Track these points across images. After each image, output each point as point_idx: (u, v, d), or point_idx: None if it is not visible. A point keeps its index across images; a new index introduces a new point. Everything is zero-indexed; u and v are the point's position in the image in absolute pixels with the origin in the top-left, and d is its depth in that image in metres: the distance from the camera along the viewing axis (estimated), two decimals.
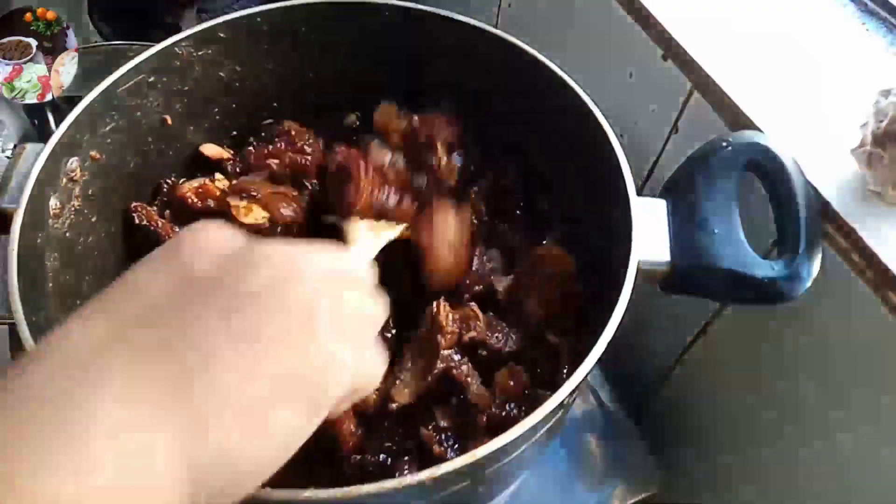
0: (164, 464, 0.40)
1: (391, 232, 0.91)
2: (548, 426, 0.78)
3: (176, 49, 0.98)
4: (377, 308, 0.57)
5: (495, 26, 1.28)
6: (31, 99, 1.23)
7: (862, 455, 0.91)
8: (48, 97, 1.24)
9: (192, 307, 0.46)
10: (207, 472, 0.42)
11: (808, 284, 0.81)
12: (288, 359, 0.46)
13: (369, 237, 0.88)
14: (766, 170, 0.86)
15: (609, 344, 0.73)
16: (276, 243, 0.52)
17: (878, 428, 0.87)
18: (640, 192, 1.13)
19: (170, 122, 1.02)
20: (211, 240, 0.51)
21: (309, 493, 0.63)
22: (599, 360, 0.71)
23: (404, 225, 0.92)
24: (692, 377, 1.18)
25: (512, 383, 0.88)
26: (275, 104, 1.13)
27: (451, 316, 0.89)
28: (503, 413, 0.86)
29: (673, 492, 1.20)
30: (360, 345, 0.53)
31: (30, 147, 0.88)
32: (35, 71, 1.25)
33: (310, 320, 0.48)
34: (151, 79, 0.97)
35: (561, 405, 0.70)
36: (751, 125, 0.91)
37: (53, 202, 0.87)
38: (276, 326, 0.46)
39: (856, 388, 0.89)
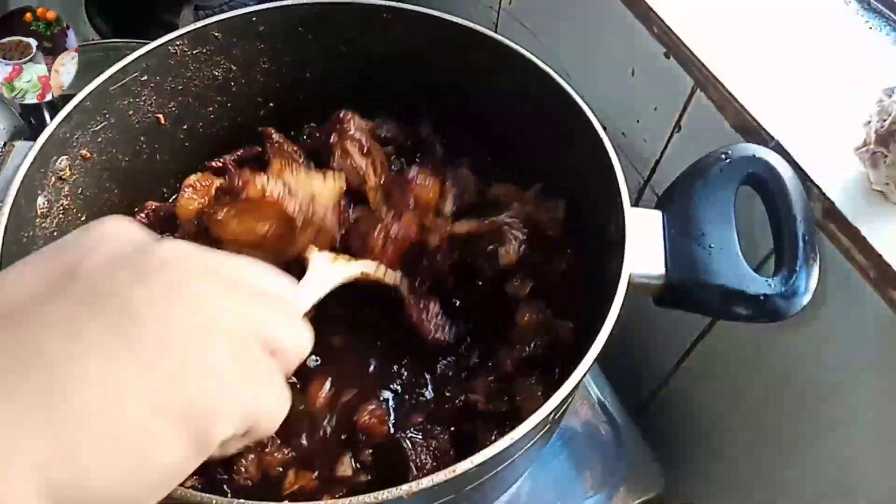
0: (21, 483, 0.36)
1: (351, 269, 0.90)
2: (541, 433, 0.77)
3: (170, 48, 0.97)
4: (297, 342, 0.50)
5: (496, 25, 1.27)
6: (31, 99, 1.23)
7: (865, 453, 0.90)
8: (48, 97, 1.24)
9: (64, 310, 0.40)
10: (65, 499, 0.37)
11: (805, 302, 0.78)
12: (169, 386, 0.40)
13: (328, 272, 0.87)
14: (765, 184, 0.84)
15: (604, 354, 0.72)
16: (190, 245, 0.46)
17: (882, 426, 0.87)
18: (641, 191, 1.14)
19: (163, 121, 1.02)
20: (108, 235, 0.45)
21: None
22: (602, 360, 0.70)
23: (367, 265, 0.93)
24: (694, 379, 1.17)
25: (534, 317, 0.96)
26: (270, 104, 1.13)
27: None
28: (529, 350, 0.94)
29: (675, 494, 1.19)
30: (261, 381, 0.46)
31: (19, 145, 0.88)
32: (35, 71, 1.25)
33: (204, 340, 0.42)
34: (144, 77, 0.96)
35: (553, 412, 0.69)
36: (754, 124, 0.90)
37: (41, 201, 0.86)
38: (160, 342, 0.40)
39: (858, 386, 0.88)
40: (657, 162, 1.10)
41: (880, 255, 0.78)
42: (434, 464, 0.85)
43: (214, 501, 0.61)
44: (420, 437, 0.89)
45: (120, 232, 0.46)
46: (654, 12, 1.00)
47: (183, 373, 0.41)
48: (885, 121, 0.79)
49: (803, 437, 0.98)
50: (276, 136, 1.09)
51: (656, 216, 0.85)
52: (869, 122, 0.82)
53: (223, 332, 0.43)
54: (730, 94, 0.92)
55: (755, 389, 1.05)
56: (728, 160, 0.86)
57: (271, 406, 0.47)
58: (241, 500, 0.61)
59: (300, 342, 0.50)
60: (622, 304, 0.75)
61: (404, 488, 0.62)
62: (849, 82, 0.93)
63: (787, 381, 0.98)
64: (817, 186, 0.84)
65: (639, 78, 1.09)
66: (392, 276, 0.95)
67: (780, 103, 0.90)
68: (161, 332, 0.41)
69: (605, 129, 0.89)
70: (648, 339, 1.24)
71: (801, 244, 0.80)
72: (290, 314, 0.50)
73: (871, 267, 0.79)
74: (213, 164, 1.09)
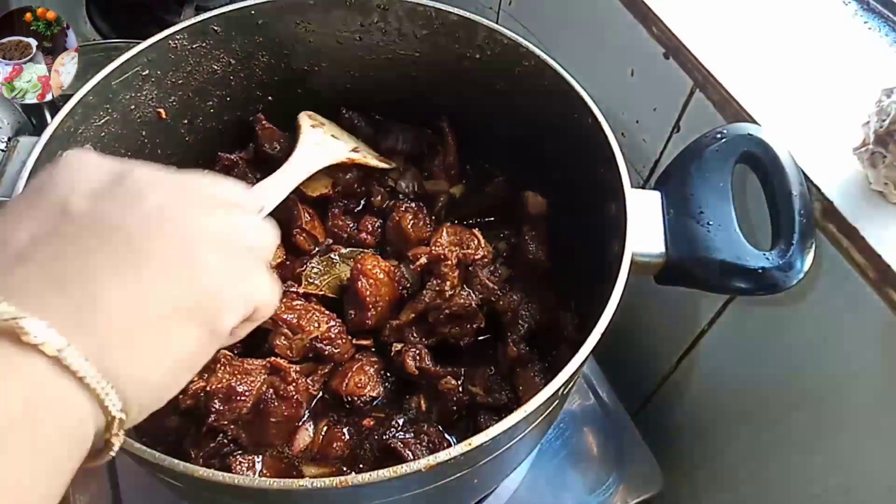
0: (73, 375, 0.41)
1: (336, 155, 1.04)
2: (545, 414, 0.78)
3: (170, 42, 0.98)
4: (266, 236, 0.57)
5: (496, 24, 1.28)
6: (31, 99, 1.23)
7: (865, 453, 0.90)
8: (48, 97, 1.24)
9: (72, 246, 0.45)
10: (116, 387, 0.43)
11: (803, 275, 0.80)
12: (176, 287, 0.47)
13: (308, 157, 1.01)
14: (760, 161, 0.85)
15: (607, 338, 0.72)
16: (156, 169, 0.51)
17: (881, 426, 0.87)
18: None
19: (164, 115, 1.02)
20: (83, 170, 0.50)
21: (304, 483, 0.63)
22: (601, 358, 0.71)
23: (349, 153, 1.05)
24: (693, 378, 1.17)
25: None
26: (269, 98, 1.14)
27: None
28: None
29: (674, 492, 1.19)
30: (249, 272, 0.53)
31: (24, 140, 0.88)
32: (35, 71, 1.24)
33: (195, 250, 0.48)
34: (146, 72, 0.97)
35: (556, 394, 0.70)
36: (753, 124, 0.90)
37: None
38: (161, 257, 0.46)
39: (857, 386, 0.88)
40: (657, 162, 1.10)
41: (879, 256, 0.78)
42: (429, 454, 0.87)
43: (237, 480, 0.64)
44: (410, 436, 0.90)
45: (88, 164, 0.51)
46: (654, 13, 1.00)
47: (188, 276, 0.47)
48: (883, 121, 0.79)
49: (803, 437, 0.98)
50: (265, 123, 1.11)
51: (655, 196, 0.87)
52: (867, 123, 0.82)
53: (210, 241, 0.49)
54: (729, 94, 0.92)
55: (754, 389, 1.05)
56: (723, 139, 0.87)
57: (265, 290, 0.54)
58: (264, 478, 0.62)
59: (267, 240, 0.57)
60: (624, 286, 0.76)
61: (423, 462, 0.64)
62: (847, 83, 0.93)
63: (786, 381, 0.98)
64: (816, 186, 0.84)
65: (638, 78, 1.09)
66: (377, 160, 1.11)
67: (778, 103, 0.90)
68: (161, 249, 0.47)
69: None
70: (648, 339, 1.24)
71: (797, 218, 0.81)
72: (253, 220, 0.56)
73: (870, 267, 0.79)
74: (225, 158, 1.11)
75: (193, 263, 0.48)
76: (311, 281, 1.02)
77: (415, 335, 0.98)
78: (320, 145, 1.05)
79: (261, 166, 1.11)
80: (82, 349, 0.41)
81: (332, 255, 1.05)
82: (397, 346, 0.97)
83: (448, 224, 1.04)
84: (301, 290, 1.00)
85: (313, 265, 1.03)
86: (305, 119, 1.09)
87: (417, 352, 0.95)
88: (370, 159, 1.10)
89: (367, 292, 0.97)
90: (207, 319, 0.48)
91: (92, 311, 0.43)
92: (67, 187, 0.48)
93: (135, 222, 0.47)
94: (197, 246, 0.48)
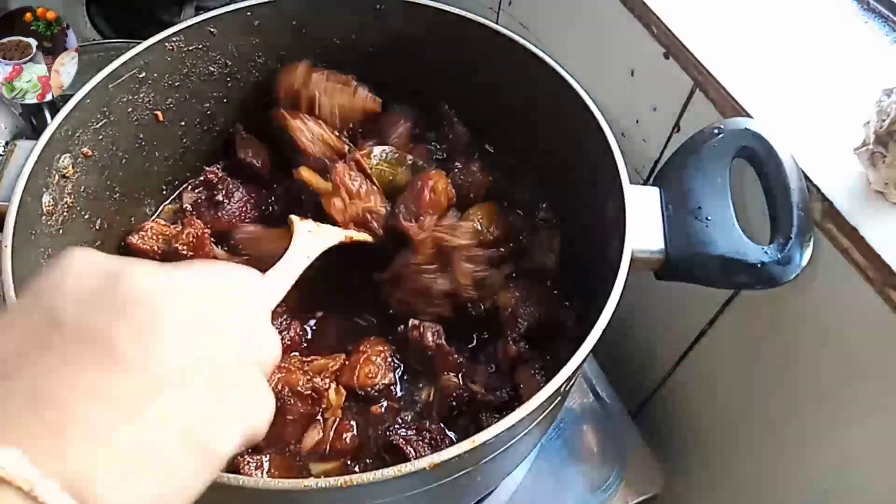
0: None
1: (332, 238, 0.97)
2: (546, 412, 0.78)
3: (166, 44, 0.98)
4: (273, 349, 0.53)
5: (496, 23, 1.28)
6: (31, 99, 1.23)
7: (865, 454, 0.90)
8: (48, 97, 1.24)
9: (56, 359, 0.41)
10: None
11: (801, 269, 0.81)
12: (168, 415, 0.42)
13: (308, 242, 0.93)
14: (757, 156, 0.86)
15: (607, 336, 0.73)
16: (156, 270, 0.47)
17: (879, 426, 0.86)
18: None
19: (161, 117, 1.02)
20: (75, 272, 0.45)
21: (309, 483, 0.63)
22: (602, 357, 0.70)
23: (349, 233, 0.98)
24: (693, 379, 1.17)
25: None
26: (266, 100, 1.12)
27: None
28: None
29: (674, 492, 1.19)
30: (251, 394, 0.49)
31: (21, 144, 0.88)
32: (35, 71, 1.24)
33: (192, 378, 0.44)
34: (143, 74, 0.97)
35: (558, 391, 0.70)
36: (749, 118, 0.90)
37: (46, 199, 0.87)
38: (151, 378, 0.42)
39: (857, 386, 0.88)
40: (656, 162, 1.10)
41: (879, 256, 0.78)
42: (431, 452, 0.87)
43: (242, 481, 0.63)
44: (412, 433, 0.90)
45: (84, 266, 0.46)
46: (654, 13, 1.00)
47: (182, 402, 0.43)
48: (884, 121, 0.79)
49: (803, 438, 0.98)
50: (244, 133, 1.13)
51: (654, 193, 0.87)
52: (868, 123, 0.81)
53: (206, 364, 0.45)
54: (729, 94, 0.92)
55: (754, 390, 1.04)
56: (721, 135, 0.88)
57: (262, 414, 0.50)
58: (268, 479, 0.62)
59: (273, 352, 0.53)
60: (625, 283, 0.76)
61: (426, 460, 0.64)
62: (848, 82, 0.93)
63: (786, 382, 0.98)
64: (816, 187, 0.84)
65: (638, 78, 1.09)
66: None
67: (778, 103, 0.90)
68: (152, 369, 0.42)
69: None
70: (648, 339, 1.24)
71: (795, 212, 0.82)
72: (260, 324, 0.53)
73: (870, 267, 0.79)
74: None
75: (189, 387, 0.44)
76: (371, 158, 1.05)
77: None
78: (315, 232, 1.00)
79: (238, 176, 1.12)
80: (60, 481, 0.37)
81: (408, 158, 1.08)
82: (414, 322, 0.97)
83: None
84: (357, 157, 1.02)
85: (386, 150, 1.06)
86: (294, 217, 1.03)
87: (436, 329, 0.96)
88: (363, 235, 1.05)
89: (428, 199, 0.99)
90: (203, 449, 0.44)
91: (72, 437, 0.39)
92: (59, 291, 0.44)
93: (124, 335, 0.42)
94: (194, 367, 0.44)
